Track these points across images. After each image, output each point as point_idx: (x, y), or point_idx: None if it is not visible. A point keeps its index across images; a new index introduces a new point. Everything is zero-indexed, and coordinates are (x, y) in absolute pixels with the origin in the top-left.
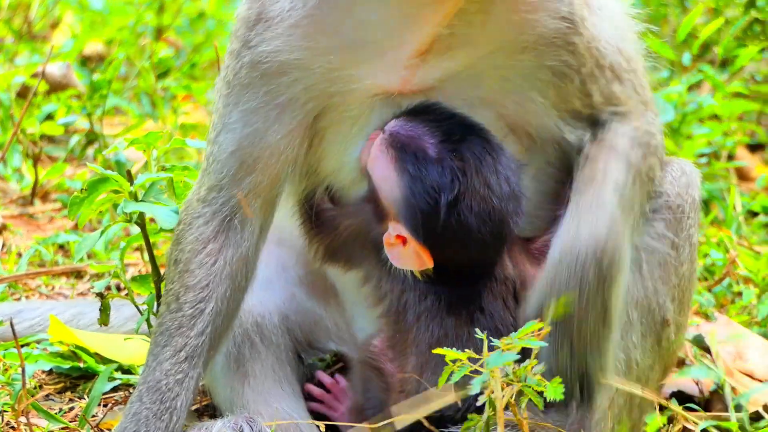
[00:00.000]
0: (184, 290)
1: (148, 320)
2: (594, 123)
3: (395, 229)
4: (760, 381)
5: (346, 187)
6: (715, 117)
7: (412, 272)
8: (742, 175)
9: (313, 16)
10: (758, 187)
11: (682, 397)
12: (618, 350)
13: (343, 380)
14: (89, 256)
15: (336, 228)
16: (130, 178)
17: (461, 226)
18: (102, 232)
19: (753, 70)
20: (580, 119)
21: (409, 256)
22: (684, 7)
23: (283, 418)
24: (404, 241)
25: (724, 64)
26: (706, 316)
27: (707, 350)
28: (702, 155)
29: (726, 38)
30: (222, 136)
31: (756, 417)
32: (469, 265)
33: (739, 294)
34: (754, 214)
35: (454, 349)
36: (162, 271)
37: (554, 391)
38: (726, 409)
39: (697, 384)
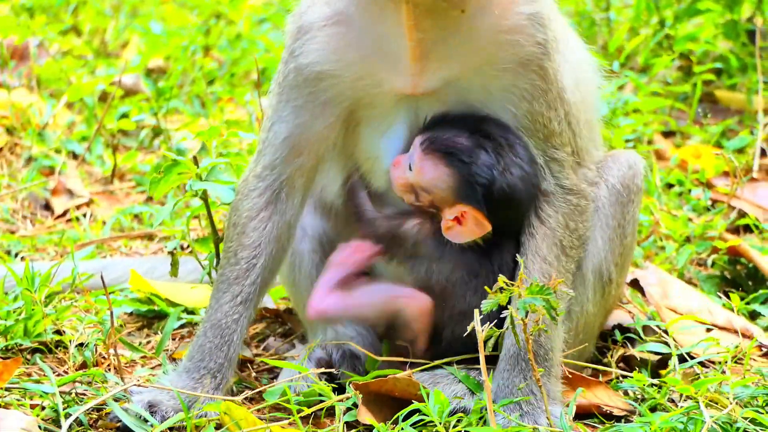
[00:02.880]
0: (241, 248)
1: (209, 273)
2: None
3: (451, 213)
4: (682, 314)
5: (378, 178)
6: (637, 111)
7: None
8: (660, 156)
9: (341, 33)
10: (672, 165)
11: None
12: (575, 300)
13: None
14: (160, 223)
15: (374, 226)
16: (195, 162)
17: (511, 189)
18: (175, 204)
19: (665, 74)
20: (540, 152)
21: (468, 229)
22: (609, 26)
23: (359, 330)
24: (459, 221)
25: (644, 70)
26: (637, 265)
27: (641, 290)
28: (628, 140)
29: (644, 50)
30: (276, 126)
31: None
32: (514, 220)
33: (663, 248)
34: (671, 186)
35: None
36: (220, 234)
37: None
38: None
39: (632, 316)
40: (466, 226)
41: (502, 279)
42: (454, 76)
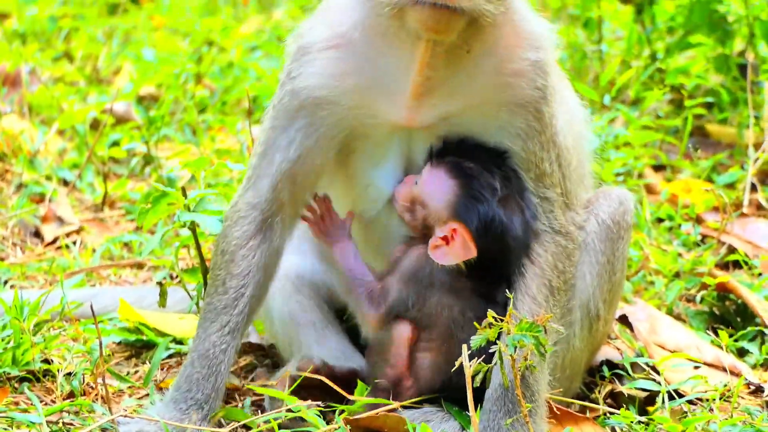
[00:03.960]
0: (229, 277)
1: (197, 303)
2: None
3: (441, 231)
4: (671, 351)
5: (368, 206)
6: (628, 144)
7: (442, 272)
8: (650, 190)
9: (340, 58)
10: (662, 199)
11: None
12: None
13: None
14: (149, 252)
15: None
16: (184, 193)
17: (505, 220)
18: (163, 236)
19: (656, 108)
20: (530, 187)
21: (454, 250)
22: (601, 59)
23: (334, 354)
24: (447, 241)
25: (635, 103)
26: (626, 301)
27: (629, 326)
28: (618, 174)
29: (635, 83)
30: (270, 153)
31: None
32: (503, 257)
33: (652, 283)
34: (661, 220)
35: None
36: (208, 265)
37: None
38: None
39: (620, 352)
40: (453, 246)
41: (491, 314)
42: (452, 112)
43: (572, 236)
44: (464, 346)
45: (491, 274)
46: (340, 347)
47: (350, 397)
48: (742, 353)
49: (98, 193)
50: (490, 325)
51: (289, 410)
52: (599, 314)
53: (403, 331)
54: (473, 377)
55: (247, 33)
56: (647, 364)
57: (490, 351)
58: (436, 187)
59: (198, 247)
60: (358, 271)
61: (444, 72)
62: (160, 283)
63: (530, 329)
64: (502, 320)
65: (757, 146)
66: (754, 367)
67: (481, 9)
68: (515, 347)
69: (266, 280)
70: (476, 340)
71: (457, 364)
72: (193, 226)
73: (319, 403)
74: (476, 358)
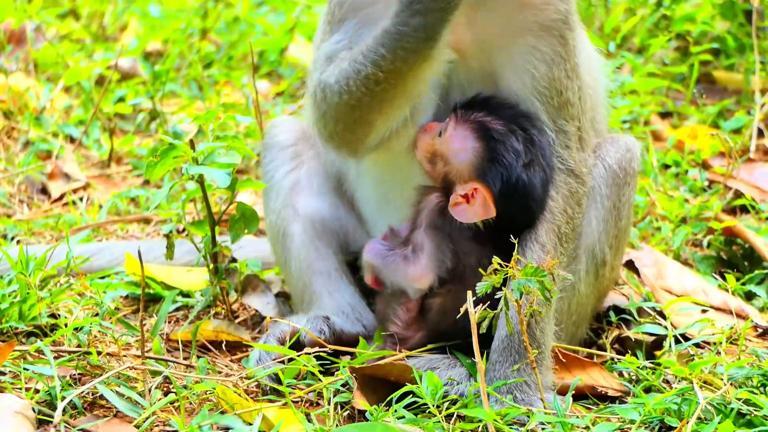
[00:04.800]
0: None
1: (204, 256)
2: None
3: (463, 189)
4: (677, 295)
5: (399, 141)
6: (634, 92)
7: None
8: (656, 137)
9: None
10: (669, 146)
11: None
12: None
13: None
14: (156, 206)
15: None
16: (192, 146)
17: (528, 183)
18: (170, 189)
19: (662, 55)
20: (550, 121)
21: (474, 209)
22: (607, 7)
23: (344, 310)
24: (468, 199)
25: (640, 51)
26: (633, 246)
27: (636, 272)
28: (625, 121)
29: (641, 31)
30: (333, 40)
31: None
32: (523, 218)
33: (659, 229)
34: (667, 167)
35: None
36: (216, 218)
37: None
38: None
39: (626, 298)
40: (473, 205)
41: (496, 261)
42: (480, 37)
43: (583, 179)
44: (469, 293)
45: (510, 229)
46: (352, 301)
47: (353, 351)
48: (749, 297)
49: (105, 149)
50: (496, 271)
51: (291, 360)
52: (605, 260)
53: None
54: (479, 324)
55: None
56: (654, 309)
57: (496, 297)
58: (460, 146)
59: (206, 200)
60: (386, 249)
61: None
62: (167, 236)
63: (535, 274)
64: (507, 266)
65: (764, 91)
66: (761, 310)
67: None
68: (521, 293)
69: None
70: (482, 287)
71: (462, 310)
72: (201, 179)
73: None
74: (482, 304)
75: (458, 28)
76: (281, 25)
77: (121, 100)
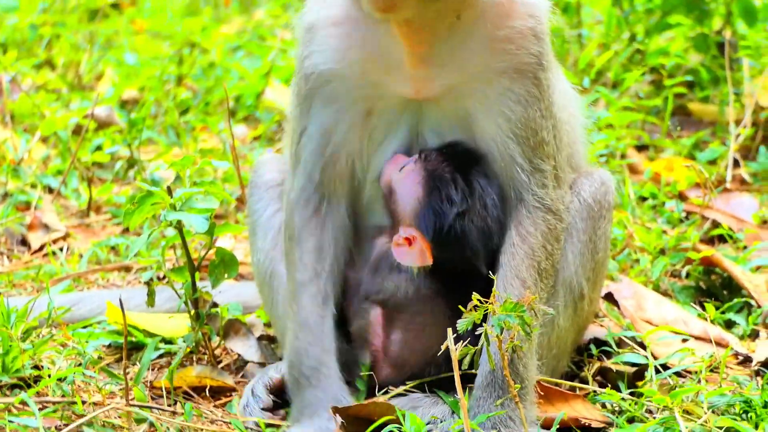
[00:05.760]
0: (305, 255)
1: (186, 302)
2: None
3: (406, 231)
4: (657, 326)
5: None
6: (610, 126)
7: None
8: (633, 170)
9: (345, 34)
10: (645, 178)
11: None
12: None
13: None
14: (135, 254)
15: None
16: (169, 192)
17: (462, 233)
18: (149, 236)
19: (637, 89)
20: (526, 162)
21: (413, 253)
22: (581, 43)
23: None
24: (410, 242)
25: (615, 85)
26: (612, 279)
27: (616, 304)
28: (602, 155)
29: (615, 66)
30: (304, 139)
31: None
32: (460, 265)
33: (637, 260)
34: (644, 199)
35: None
36: (195, 263)
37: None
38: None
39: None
40: (413, 250)
41: (476, 297)
42: (454, 81)
43: (561, 215)
44: (449, 330)
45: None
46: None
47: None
48: (729, 325)
49: (83, 198)
50: (476, 307)
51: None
52: (583, 293)
53: (376, 313)
54: (460, 360)
55: (228, 33)
56: (634, 340)
57: (476, 333)
58: (408, 189)
59: (185, 245)
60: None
61: (432, 41)
62: (147, 283)
63: (515, 309)
64: (487, 302)
65: (738, 122)
66: (741, 337)
67: None
68: (501, 329)
69: (339, 254)
70: (463, 323)
71: (443, 347)
72: (179, 225)
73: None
74: (462, 341)
75: (431, 75)
76: (256, 70)
77: (99, 149)
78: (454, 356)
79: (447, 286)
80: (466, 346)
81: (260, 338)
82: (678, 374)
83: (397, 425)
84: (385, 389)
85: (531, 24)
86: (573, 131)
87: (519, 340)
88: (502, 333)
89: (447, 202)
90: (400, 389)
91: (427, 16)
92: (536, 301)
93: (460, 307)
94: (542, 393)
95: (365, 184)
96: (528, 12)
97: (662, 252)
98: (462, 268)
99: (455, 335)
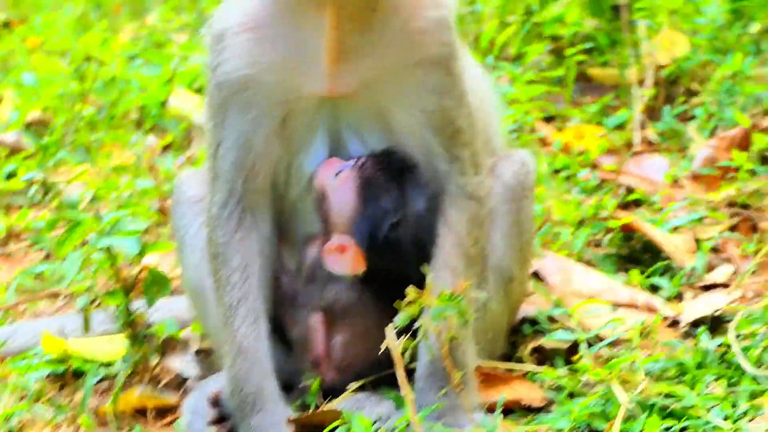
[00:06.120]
0: (231, 273)
1: (123, 325)
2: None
3: (339, 239)
4: (586, 298)
5: (294, 184)
6: (516, 101)
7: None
8: (543, 142)
9: (256, 38)
10: (556, 149)
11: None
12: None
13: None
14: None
15: None
16: (97, 218)
17: (396, 242)
18: (81, 265)
19: (538, 60)
20: (445, 151)
21: (345, 261)
22: (478, 21)
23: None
24: (343, 250)
25: (516, 59)
26: (536, 255)
27: (542, 280)
28: (512, 131)
29: (516, 41)
30: (221, 151)
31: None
32: (394, 272)
33: (558, 234)
34: (557, 171)
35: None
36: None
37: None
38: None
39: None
40: (345, 257)
41: (412, 290)
42: (369, 76)
43: (483, 201)
44: (389, 327)
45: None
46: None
47: None
48: (654, 289)
49: (0, 227)
50: (410, 302)
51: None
52: (512, 275)
53: (316, 319)
54: (402, 354)
55: (124, 42)
56: (564, 315)
57: (415, 327)
58: (344, 196)
59: (116, 270)
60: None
61: (355, 34)
62: (83, 309)
63: (452, 301)
64: (421, 294)
65: (641, 83)
66: (668, 299)
67: None
68: (439, 320)
69: (266, 266)
70: (400, 319)
71: (383, 346)
72: (109, 250)
73: None
74: (403, 336)
75: (348, 70)
76: (157, 77)
77: (12, 176)
78: (396, 351)
79: (386, 287)
80: (408, 339)
81: (198, 352)
82: (612, 344)
83: (346, 426)
84: (329, 396)
85: (442, 14)
86: (488, 116)
87: (455, 332)
88: (439, 325)
89: (382, 212)
90: (346, 394)
91: (359, 6)
92: (468, 288)
93: (397, 303)
94: (482, 377)
95: (290, 191)
96: (435, 3)
97: (582, 223)
98: (395, 275)
99: (396, 330)
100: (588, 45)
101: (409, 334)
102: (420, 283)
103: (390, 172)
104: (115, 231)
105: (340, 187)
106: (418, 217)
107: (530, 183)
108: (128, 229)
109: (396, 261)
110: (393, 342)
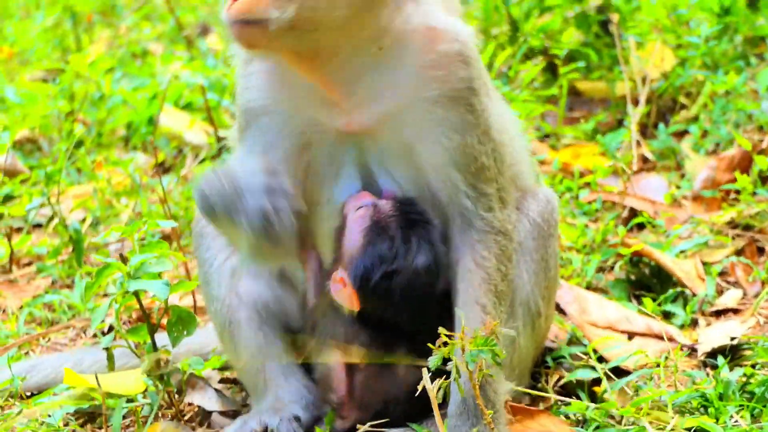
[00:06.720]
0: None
1: (148, 366)
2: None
3: (341, 273)
4: (602, 328)
5: (326, 220)
6: None
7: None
8: (542, 163)
9: (274, 70)
10: (554, 169)
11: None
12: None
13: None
14: (70, 309)
15: None
16: (123, 260)
17: (388, 291)
18: (109, 305)
19: (527, 78)
20: (470, 188)
21: (344, 295)
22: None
23: (300, 393)
24: (343, 284)
25: (509, 79)
26: None
27: (561, 311)
28: None
29: (514, 64)
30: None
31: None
32: (385, 318)
33: (569, 261)
34: (561, 194)
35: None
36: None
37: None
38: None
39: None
40: (344, 292)
41: (443, 332)
42: (386, 113)
43: (511, 235)
44: (424, 370)
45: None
46: (304, 383)
47: None
48: (667, 316)
49: (2, 253)
50: (445, 343)
51: None
52: (540, 311)
53: (336, 360)
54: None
55: (100, 54)
56: (585, 350)
57: (447, 368)
58: (353, 233)
59: (144, 312)
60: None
61: (362, 75)
62: (106, 349)
63: (486, 344)
64: (454, 335)
65: (633, 98)
66: (682, 327)
67: (265, 17)
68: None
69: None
70: (434, 360)
71: (420, 387)
72: (137, 293)
73: None
74: (438, 379)
75: (360, 107)
76: (142, 91)
77: (9, 198)
78: (432, 393)
79: (380, 329)
80: (444, 380)
81: (221, 381)
82: (630, 373)
83: None
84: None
85: (457, 48)
86: (515, 152)
87: (488, 370)
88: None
89: (379, 258)
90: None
91: (333, 48)
92: (498, 326)
93: (429, 345)
94: (510, 411)
95: (315, 218)
96: (452, 36)
97: (591, 248)
98: (387, 321)
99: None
100: (580, 63)
101: (441, 375)
102: (443, 310)
103: (402, 221)
104: (141, 273)
105: (354, 222)
106: (418, 274)
107: (555, 220)
108: (153, 271)
109: (385, 309)
110: (428, 384)
